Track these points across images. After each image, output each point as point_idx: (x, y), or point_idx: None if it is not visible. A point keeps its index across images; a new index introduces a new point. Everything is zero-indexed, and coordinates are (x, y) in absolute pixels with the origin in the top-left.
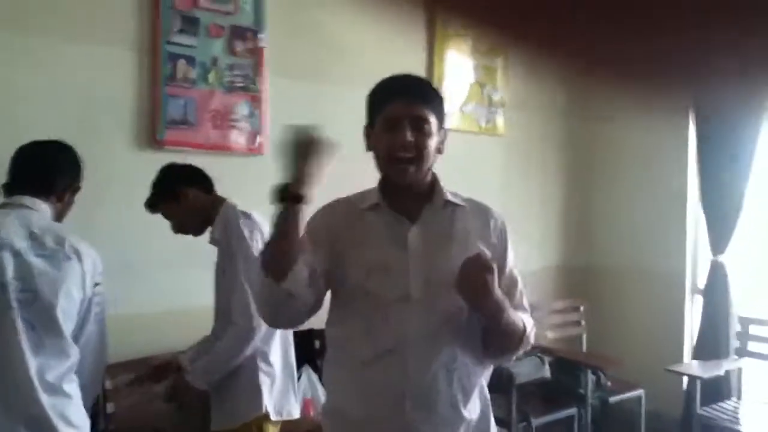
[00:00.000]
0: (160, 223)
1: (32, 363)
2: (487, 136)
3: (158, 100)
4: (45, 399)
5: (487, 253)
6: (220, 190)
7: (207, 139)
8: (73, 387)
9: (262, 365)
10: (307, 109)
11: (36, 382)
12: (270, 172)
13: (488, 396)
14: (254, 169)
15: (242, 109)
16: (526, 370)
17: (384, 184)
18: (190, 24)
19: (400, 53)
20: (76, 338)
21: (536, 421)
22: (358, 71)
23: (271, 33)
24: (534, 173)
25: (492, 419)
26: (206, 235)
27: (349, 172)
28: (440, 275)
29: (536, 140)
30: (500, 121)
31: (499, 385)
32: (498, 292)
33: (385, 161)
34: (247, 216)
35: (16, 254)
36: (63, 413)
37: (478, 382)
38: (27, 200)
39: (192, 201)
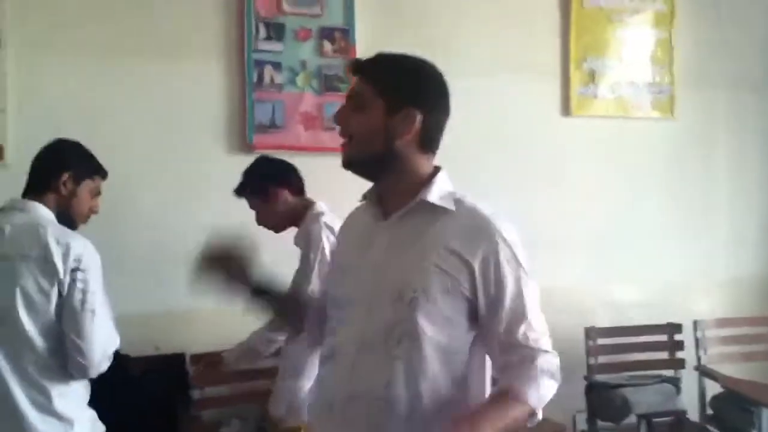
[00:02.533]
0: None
1: (1, 356)
2: (653, 121)
3: (245, 106)
4: (18, 389)
5: (457, 275)
6: (314, 189)
7: (298, 141)
8: (47, 381)
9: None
10: None
11: (7, 373)
12: None
13: None
14: None
15: (333, 108)
16: (650, 398)
17: None
18: (276, 30)
19: (522, 36)
20: (53, 326)
21: None
22: (469, 60)
23: (362, 30)
24: (720, 164)
25: None
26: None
27: (467, 169)
28: (385, 283)
29: (723, 123)
30: (669, 102)
31: (611, 412)
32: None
33: None
34: (332, 230)
35: None
36: (36, 401)
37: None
38: (18, 202)
39: (281, 203)
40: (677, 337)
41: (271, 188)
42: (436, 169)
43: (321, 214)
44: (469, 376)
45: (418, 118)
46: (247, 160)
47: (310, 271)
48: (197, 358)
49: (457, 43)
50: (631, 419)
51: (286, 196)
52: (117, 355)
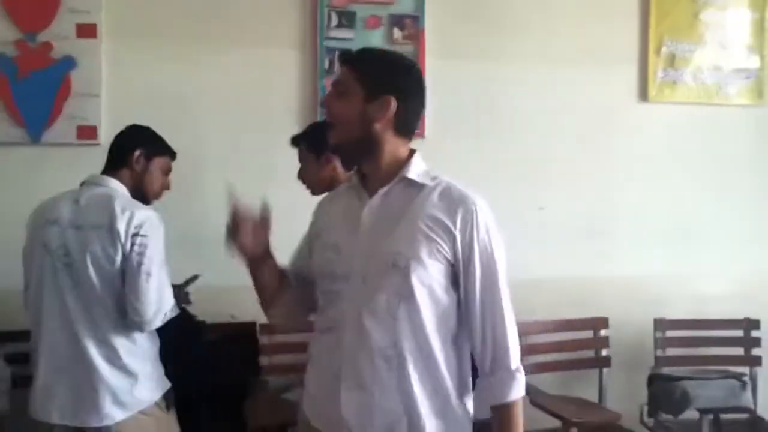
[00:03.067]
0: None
1: (78, 314)
2: (739, 108)
3: (317, 92)
4: (92, 345)
5: (440, 241)
6: None
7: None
8: (117, 337)
9: None
10: (476, 93)
11: (84, 330)
12: (432, 154)
13: (461, 409)
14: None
15: None
16: (711, 393)
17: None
18: (347, 18)
19: (599, 19)
20: (119, 287)
21: None
22: (541, 46)
23: (432, 16)
24: None
25: None
26: None
27: (541, 156)
28: (379, 254)
29: None
30: (758, 88)
31: (670, 404)
32: None
33: None
34: None
35: (62, 228)
36: (107, 356)
37: (435, 384)
38: (96, 178)
39: (328, 168)
40: (754, 333)
41: (328, 152)
42: (412, 152)
43: None
44: (459, 335)
45: (393, 104)
46: None
47: None
48: (266, 327)
49: (529, 29)
50: (693, 414)
51: (336, 165)
52: (195, 321)
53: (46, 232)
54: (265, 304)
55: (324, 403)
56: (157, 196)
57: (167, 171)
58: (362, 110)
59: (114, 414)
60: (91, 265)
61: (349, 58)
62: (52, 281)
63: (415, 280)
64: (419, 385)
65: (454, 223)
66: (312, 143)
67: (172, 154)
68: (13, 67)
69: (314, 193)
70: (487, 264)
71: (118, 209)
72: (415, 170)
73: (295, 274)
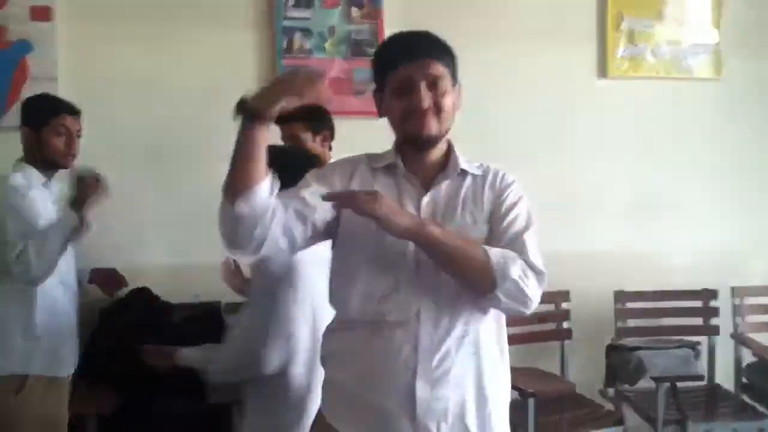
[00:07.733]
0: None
1: None
2: (697, 82)
3: (275, 72)
4: None
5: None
6: (343, 152)
7: (326, 105)
8: None
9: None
10: None
11: None
12: (389, 134)
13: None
14: (378, 132)
15: (362, 73)
16: (667, 361)
17: (400, 147)
18: None
19: None
20: None
21: (698, 427)
22: (500, 24)
23: None
24: None
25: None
26: None
27: (503, 135)
28: None
29: None
30: (716, 63)
31: (626, 374)
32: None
33: (403, 121)
34: None
35: None
36: None
37: (493, 355)
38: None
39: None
40: (712, 303)
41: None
42: (448, 140)
43: None
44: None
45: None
46: (276, 127)
47: None
48: (232, 306)
49: (487, 7)
50: (651, 383)
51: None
52: (159, 301)
53: None
54: (237, 186)
55: (384, 402)
56: (61, 158)
57: (63, 133)
58: (453, 100)
59: None
60: None
61: (437, 49)
62: None
63: None
64: (492, 367)
65: (493, 194)
66: (319, 122)
67: (68, 111)
68: None
69: None
70: (512, 220)
71: None
72: (464, 161)
73: (295, 209)
